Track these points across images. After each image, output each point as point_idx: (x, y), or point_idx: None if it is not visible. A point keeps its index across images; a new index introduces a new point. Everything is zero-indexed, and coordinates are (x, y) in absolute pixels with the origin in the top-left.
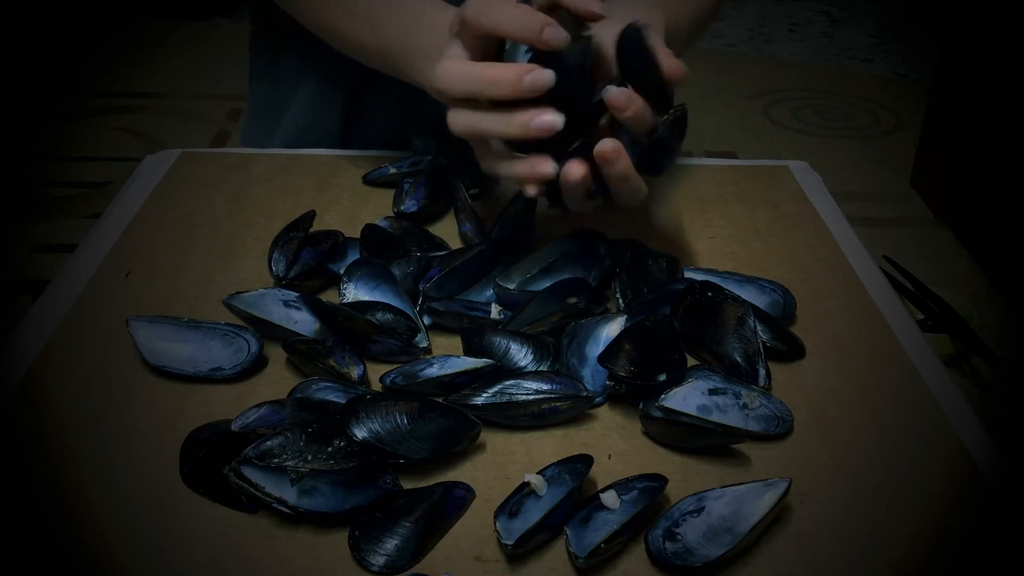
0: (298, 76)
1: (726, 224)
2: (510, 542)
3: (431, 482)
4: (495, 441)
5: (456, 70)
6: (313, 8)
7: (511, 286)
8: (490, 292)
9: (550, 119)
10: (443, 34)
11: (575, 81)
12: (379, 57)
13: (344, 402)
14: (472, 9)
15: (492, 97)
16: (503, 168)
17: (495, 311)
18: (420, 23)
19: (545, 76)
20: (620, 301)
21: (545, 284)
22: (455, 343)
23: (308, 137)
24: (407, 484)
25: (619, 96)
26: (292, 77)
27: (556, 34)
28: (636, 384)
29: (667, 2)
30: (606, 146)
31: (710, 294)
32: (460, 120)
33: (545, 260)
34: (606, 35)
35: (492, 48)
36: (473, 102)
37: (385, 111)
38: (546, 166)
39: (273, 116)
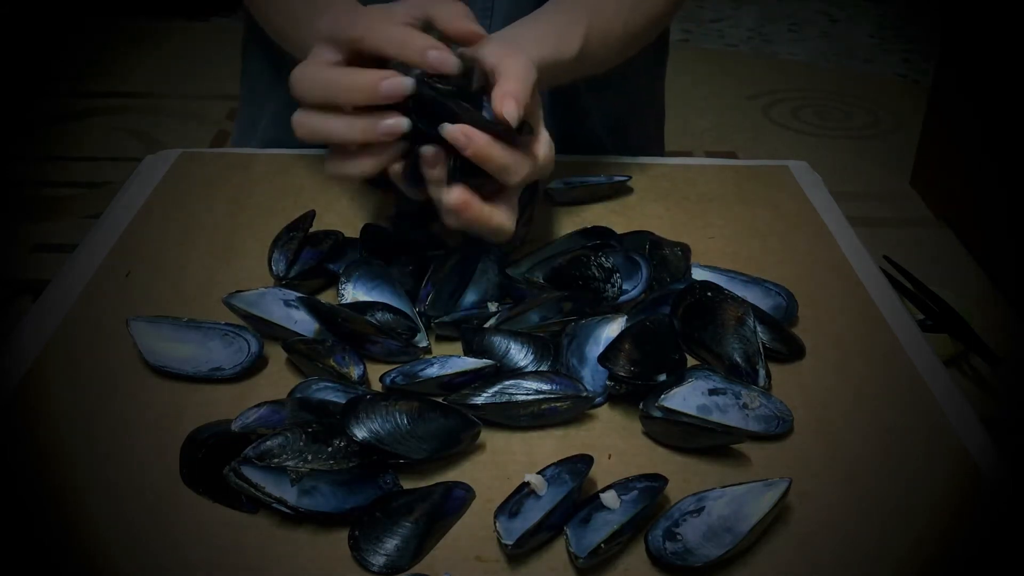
0: (273, 78)
1: (726, 224)
2: (510, 542)
3: (431, 482)
4: (495, 441)
5: (314, 75)
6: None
7: (518, 275)
8: (484, 288)
9: (395, 122)
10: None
11: (440, 107)
12: (297, 50)
13: (344, 402)
14: (360, 29)
15: (348, 103)
16: (347, 167)
17: (492, 307)
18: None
19: (403, 82)
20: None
21: (550, 277)
22: (455, 343)
23: (282, 138)
24: (407, 484)
25: (455, 134)
26: (267, 78)
27: (443, 57)
28: (636, 384)
29: (599, 11)
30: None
31: (710, 294)
32: (307, 123)
33: (553, 251)
34: (495, 56)
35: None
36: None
37: None
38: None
39: (252, 117)
